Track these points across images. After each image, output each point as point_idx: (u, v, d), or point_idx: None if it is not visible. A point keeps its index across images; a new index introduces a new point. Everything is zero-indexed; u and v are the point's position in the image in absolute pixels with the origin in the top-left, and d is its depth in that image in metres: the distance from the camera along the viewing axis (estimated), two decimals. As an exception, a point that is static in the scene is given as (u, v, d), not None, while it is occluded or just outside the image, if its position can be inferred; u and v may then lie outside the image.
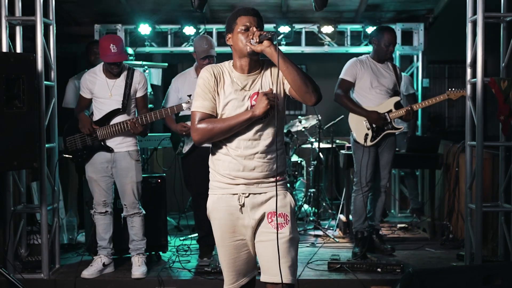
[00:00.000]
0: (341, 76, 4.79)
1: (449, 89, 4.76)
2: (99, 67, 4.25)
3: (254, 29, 2.53)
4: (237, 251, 2.62)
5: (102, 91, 4.19)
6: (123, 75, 4.21)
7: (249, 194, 2.58)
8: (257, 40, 2.49)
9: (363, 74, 4.72)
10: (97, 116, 4.23)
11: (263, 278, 2.59)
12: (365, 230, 4.81)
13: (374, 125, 4.70)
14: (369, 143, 4.70)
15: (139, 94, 4.27)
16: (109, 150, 4.21)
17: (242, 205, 2.57)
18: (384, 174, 4.82)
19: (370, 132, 4.71)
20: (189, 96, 4.25)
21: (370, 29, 6.47)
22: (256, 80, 2.60)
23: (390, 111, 4.72)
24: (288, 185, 2.85)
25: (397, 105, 4.74)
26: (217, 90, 2.58)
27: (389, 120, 4.71)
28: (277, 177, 2.59)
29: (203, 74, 2.59)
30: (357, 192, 4.80)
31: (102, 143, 4.20)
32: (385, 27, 4.93)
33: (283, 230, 2.54)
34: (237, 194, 2.58)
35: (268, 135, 2.58)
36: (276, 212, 2.53)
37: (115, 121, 4.18)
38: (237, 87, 2.59)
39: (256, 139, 2.57)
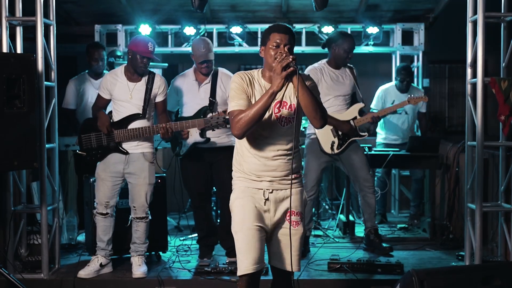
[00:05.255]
0: None
1: (410, 96, 5.07)
2: (121, 69, 4.26)
3: (284, 48, 2.78)
4: (256, 235, 2.79)
5: (122, 93, 4.19)
6: (144, 79, 4.22)
7: (273, 190, 2.85)
8: (283, 66, 2.66)
9: (323, 82, 4.69)
10: (115, 118, 4.24)
11: (274, 263, 2.92)
12: (308, 230, 4.82)
13: (340, 133, 4.71)
14: (336, 151, 4.72)
15: (159, 99, 4.27)
16: (124, 152, 4.21)
17: (267, 199, 2.84)
18: (364, 175, 4.80)
19: (336, 140, 4.73)
20: (210, 108, 4.39)
21: (370, 29, 6.46)
22: (281, 91, 2.77)
23: (355, 118, 4.75)
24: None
25: (361, 112, 4.80)
26: (250, 91, 2.83)
27: (355, 127, 4.74)
28: (295, 175, 2.88)
29: (235, 79, 2.84)
30: None
31: (118, 145, 4.21)
32: (345, 33, 4.99)
33: (298, 227, 2.89)
34: (262, 189, 2.84)
35: (288, 138, 2.84)
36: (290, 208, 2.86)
37: (133, 125, 4.19)
38: None
39: (278, 142, 2.84)
